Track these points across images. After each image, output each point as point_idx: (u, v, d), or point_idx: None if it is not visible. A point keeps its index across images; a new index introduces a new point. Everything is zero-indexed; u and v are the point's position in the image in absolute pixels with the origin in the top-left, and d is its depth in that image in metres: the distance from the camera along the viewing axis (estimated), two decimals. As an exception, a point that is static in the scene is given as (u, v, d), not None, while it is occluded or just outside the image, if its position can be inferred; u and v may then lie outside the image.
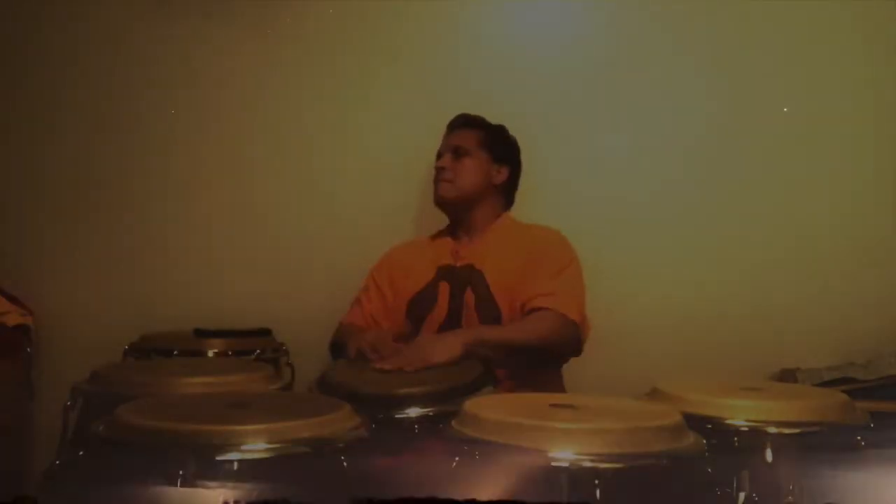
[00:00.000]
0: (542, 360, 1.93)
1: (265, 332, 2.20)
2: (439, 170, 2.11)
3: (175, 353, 2.05)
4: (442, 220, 2.18)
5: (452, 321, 1.99)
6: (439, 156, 2.15)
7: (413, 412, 1.46)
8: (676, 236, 2.41)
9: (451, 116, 2.19)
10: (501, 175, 2.14)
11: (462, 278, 2.03)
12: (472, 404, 1.32)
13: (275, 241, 2.44)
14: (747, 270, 2.39)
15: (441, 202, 2.12)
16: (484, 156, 2.12)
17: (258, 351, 2.07)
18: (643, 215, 2.41)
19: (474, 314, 1.98)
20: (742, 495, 1.34)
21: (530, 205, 2.23)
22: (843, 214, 2.40)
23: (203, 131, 2.46)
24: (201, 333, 2.17)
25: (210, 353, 2.06)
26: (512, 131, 2.20)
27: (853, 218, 2.40)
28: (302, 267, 2.40)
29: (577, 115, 2.42)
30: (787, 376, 2.24)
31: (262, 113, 2.46)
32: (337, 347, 2.03)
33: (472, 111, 2.18)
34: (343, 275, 2.21)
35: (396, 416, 1.45)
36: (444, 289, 2.03)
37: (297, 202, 2.45)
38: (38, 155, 2.45)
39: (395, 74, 2.45)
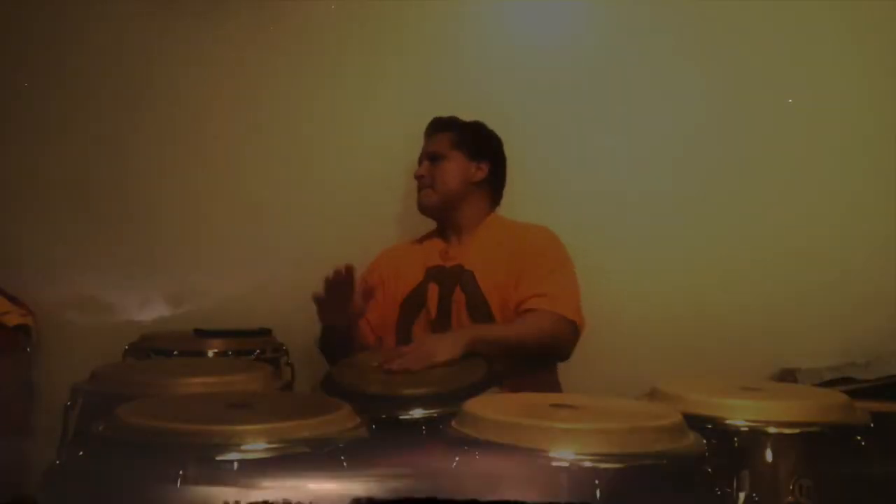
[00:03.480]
0: (533, 361, 1.91)
1: (265, 332, 2.20)
2: (419, 178, 2.12)
3: (175, 353, 2.04)
4: (442, 221, 2.18)
5: (442, 322, 1.99)
6: (420, 163, 2.15)
7: (417, 413, 1.46)
8: (675, 235, 2.40)
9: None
10: (481, 172, 2.12)
11: (451, 279, 2.03)
12: (472, 404, 1.32)
13: (275, 241, 2.43)
14: (747, 269, 2.39)
15: (424, 209, 2.13)
16: (460, 156, 2.11)
17: (258, 351, 2.06)
18: (642, 213, 2.41)
19: (465, 314, 1.98)
20: (742, 495, 1.34)
21: (529, 204, 2.23)
22: (843, 212, 2.40)
23: (202, 130, 2.46)
24: (201, 333, 2.17)
25: (210, 353, 2.05)
26: (511, 131, 2.20)
27: (854, 216, 2.39)
28: (302, 267, 2.39)
29: (576, 113, 2.42)
30: (787, 376, 2.24)
31: (264, 112, 2.46)
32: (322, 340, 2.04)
33: (471, 111, 2.18)
34: (343, 275, 2.20)
35: (401, 416, 1.45)
36: (433, 290, 2.04)
37: (297, 201, 2.45)
38: (38, 155, 2.45)
39: (395, 73, 2.45)
